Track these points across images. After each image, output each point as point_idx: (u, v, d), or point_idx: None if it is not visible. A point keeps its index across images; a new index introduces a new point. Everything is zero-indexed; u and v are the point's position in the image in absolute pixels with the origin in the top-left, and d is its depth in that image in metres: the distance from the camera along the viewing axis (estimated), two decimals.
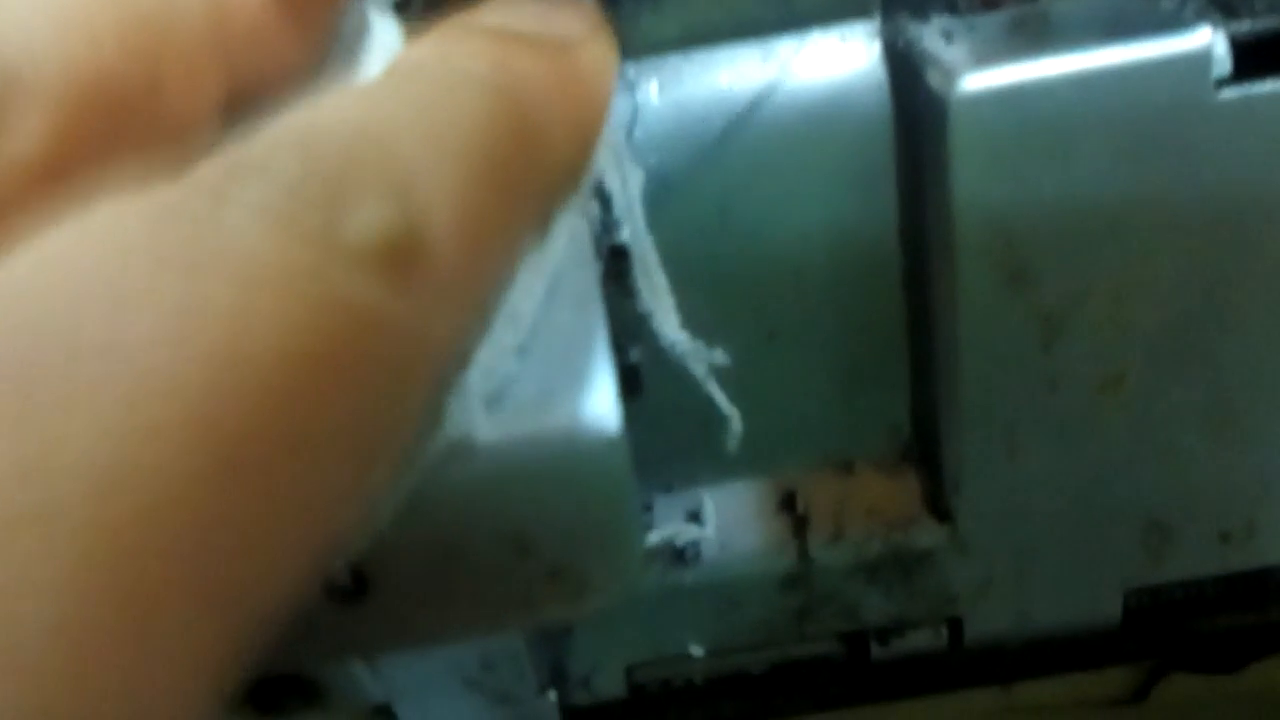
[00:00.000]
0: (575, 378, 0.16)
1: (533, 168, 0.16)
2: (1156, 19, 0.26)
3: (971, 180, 0.26)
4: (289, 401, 0.12)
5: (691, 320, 0.28)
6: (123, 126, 0.17)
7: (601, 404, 0.16)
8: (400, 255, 0.13)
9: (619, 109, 0.27)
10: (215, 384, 0.11)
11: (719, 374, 0.29)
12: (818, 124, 0.27)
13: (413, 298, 0.13)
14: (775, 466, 0.32)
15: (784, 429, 0.31)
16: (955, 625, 0.32)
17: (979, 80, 0.25)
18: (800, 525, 0.31)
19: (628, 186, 0.25)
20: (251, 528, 0.12)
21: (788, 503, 0.32)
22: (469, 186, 0.15)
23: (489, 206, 0.15)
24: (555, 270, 0.18)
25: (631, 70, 0.27)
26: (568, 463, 0.16)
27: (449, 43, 0.18)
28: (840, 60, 0.27)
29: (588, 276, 0.19)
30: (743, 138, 0.27)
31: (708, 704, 0.34)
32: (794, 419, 0.31)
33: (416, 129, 0.15)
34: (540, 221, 0.18)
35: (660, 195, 0.27)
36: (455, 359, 0.16)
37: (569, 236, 0.19)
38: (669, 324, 0.27)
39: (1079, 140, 0.25)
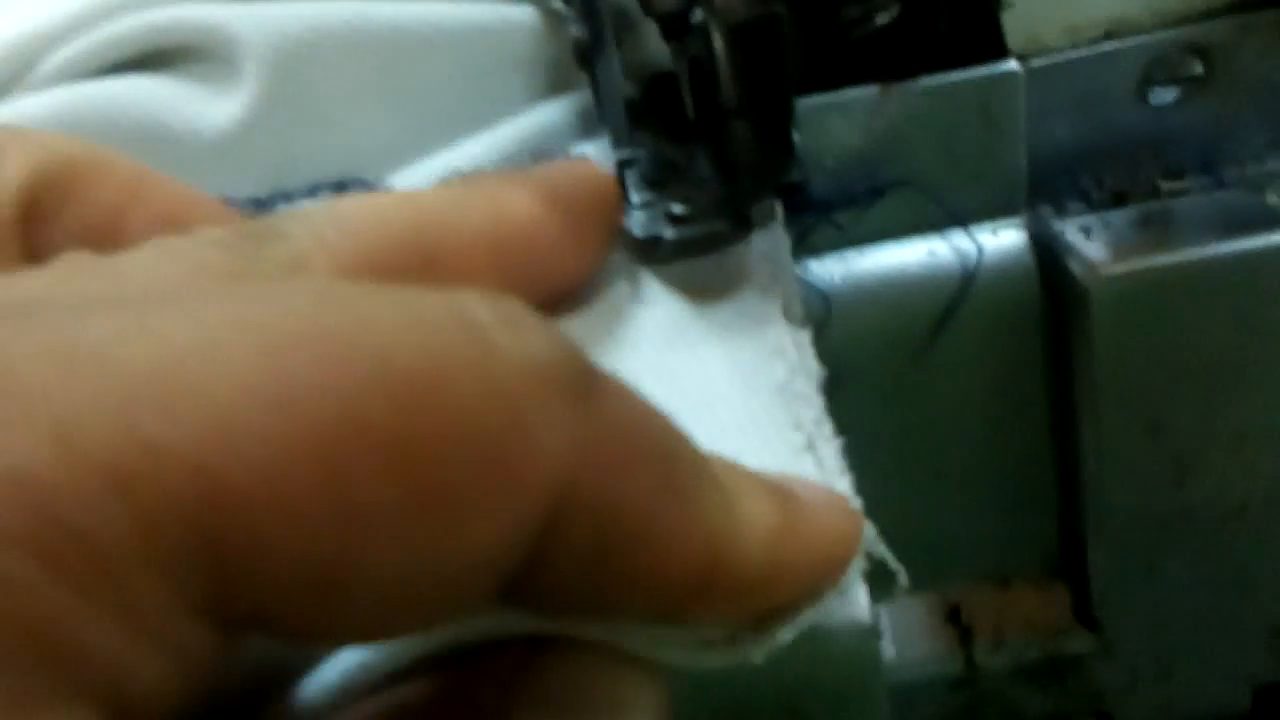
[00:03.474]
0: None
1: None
2: (1264, 214, 0.31)
3: (1111, 349, 0.31)
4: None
5: (871, 465, 0.33)
6: None
7: (859, 602, 0.21)
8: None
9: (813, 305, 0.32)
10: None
11: (896, 504, 0.34)
12: (980, 300, 0.33)
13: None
14: (942, 582, 0.37)
15: (949, 550, 0.36)
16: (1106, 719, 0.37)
17: (1116, 270, 0.30)
18: (965, 634, 0.36)
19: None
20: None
21: (953, 615, 0.37)
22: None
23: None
24: None
25: (815, 266, 0.33)
26: (833, 648, 0.21)
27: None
28: (995, 250, 0.33)
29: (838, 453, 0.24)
30: (919, 317, 0.33)
31: None
32: (957, 542, 0.36)
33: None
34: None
35: (842, 371, 0.33)
36: None
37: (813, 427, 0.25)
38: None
39: (1202, 315, 0.31)
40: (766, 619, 0.19)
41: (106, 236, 0.21)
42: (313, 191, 0.30)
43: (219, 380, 0.12)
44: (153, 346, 0.12)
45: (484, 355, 0.14)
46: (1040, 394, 0.34)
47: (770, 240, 0.29)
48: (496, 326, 0.14)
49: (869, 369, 0.33)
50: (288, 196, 0.30)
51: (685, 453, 0.17)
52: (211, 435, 0.12)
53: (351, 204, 0.21)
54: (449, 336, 0.14)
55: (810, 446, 0.25)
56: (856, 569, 0.21)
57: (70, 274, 0.17)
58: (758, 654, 0.19)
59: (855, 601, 0.21)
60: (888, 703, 0.23)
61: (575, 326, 0.27)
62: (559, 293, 0.26)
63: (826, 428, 0.26)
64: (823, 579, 0.20)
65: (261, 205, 0.30)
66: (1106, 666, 0.36)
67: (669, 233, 0.28)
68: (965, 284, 0.32)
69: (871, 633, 0.21)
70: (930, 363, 0.33)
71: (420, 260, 0.21)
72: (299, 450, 0.12)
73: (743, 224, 0.28)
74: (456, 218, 0.22)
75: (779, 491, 0.19)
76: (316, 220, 0.20)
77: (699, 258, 0.29)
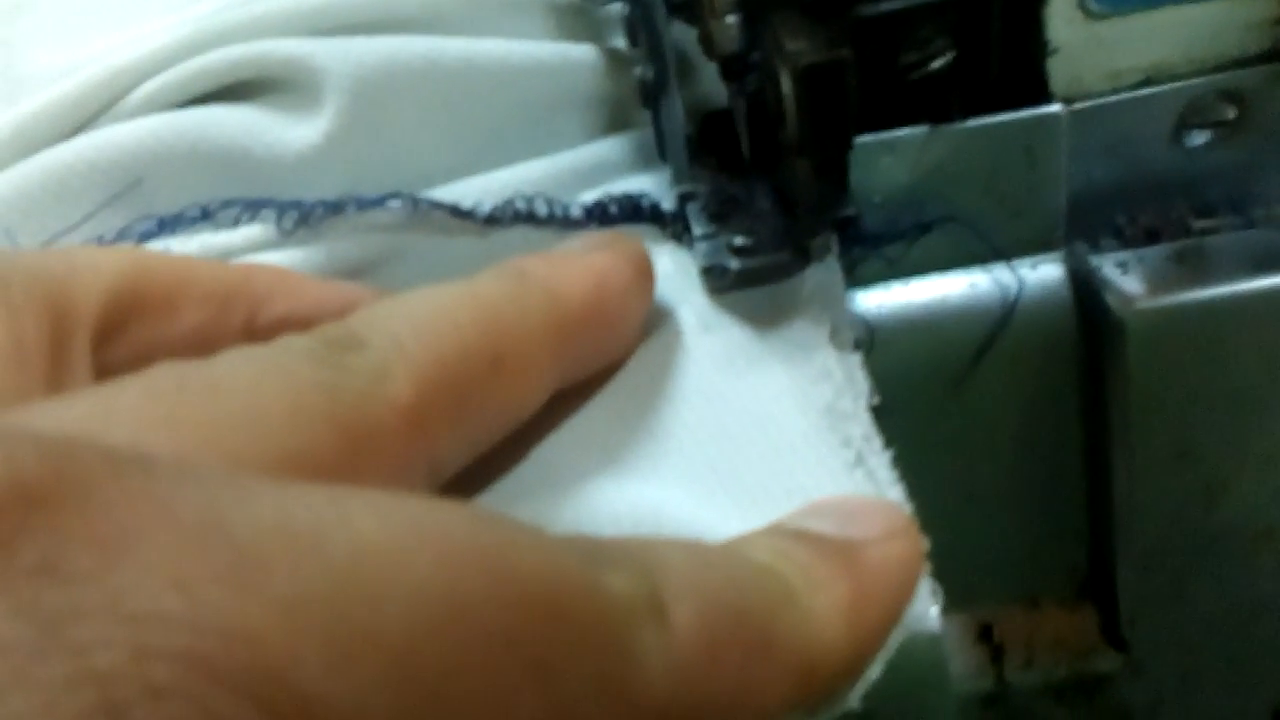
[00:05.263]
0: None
1: (788, 637, 0.19)
2: None
3: (1144, 378, 0.33)
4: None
5: (908, 489, 0.35)
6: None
7: (928, 612, 0.23)
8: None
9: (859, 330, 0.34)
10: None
11: (931, 527, 0.36)
12: (1019, 331, 0.34)
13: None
14: (974, 603, 0.38)
15: (981, 572, 0.38)
16: None
17: (1151, 304, 0.32)
18: (997, 653, 0.38)
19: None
20: None
21: (985, 634, 0.38)
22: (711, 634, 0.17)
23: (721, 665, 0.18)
24: None
25: (862, 296, 0.34)
26: (903, 656, 0.22)
27: (749, 536, 0.22)
28: (1034, 283, 0.34)
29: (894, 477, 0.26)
30: (960, 345, 0.34)
31: None
32: (989, 563, 0.38)
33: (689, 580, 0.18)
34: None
35: (883, 397, 0.34)
36: None
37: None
38: None
39: (1232, 347, 0.32)
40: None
41: (190, 350, 0.22)
42: (378, 202, 0.31)
43: (406, 583, 0.14)
44: (353, 540, 0.14)
45: (594, 590, 0.16)
46: (1073, 420, 0.36)
47: (824, 272, 0.30)
48: (600, 566, 0.17)
49: (910, 395, 0.35)
50: (358, 204, 0.31)
51: (752, 594, 0.19)
52: (403, 630, 0.14)
53: (423, 306, 0.23)
54: (574, 576, 0.16)
55: (860, 461, 0.27)
56: (924, 582, 0.23)
57: (166, 390, 0.18)
58: (855, 699, 0.21)
59: (924, 611, 0.23)
60: (955, 706, 0.25)
61: (638, 354, 0.29)
62: (615, 356, 0.28)
63: (876, 443, 0.27)
64: (901, 611, 0.21)
65: (331, 208, 0.31)
66: (1133, 685, 0.37)
67: (733, 263, 0.29)
68: (1005, 315, 0.34)
69: (939, 640, 0.23)
70: (969, 390, 0.35)
71: (488, 364, 0.23)
72: (465, 656, 0.14)
73: (801, 255, 0.29)
74: (518, 316, 0.24)
75: (839, 551, 0.21)
76: (394, 327, 0.22)
77: (757, 288, 0.30)
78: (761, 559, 0.20)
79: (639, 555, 0.18)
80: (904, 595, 0.21)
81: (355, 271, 0.31)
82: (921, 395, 0.35)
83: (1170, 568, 0.35)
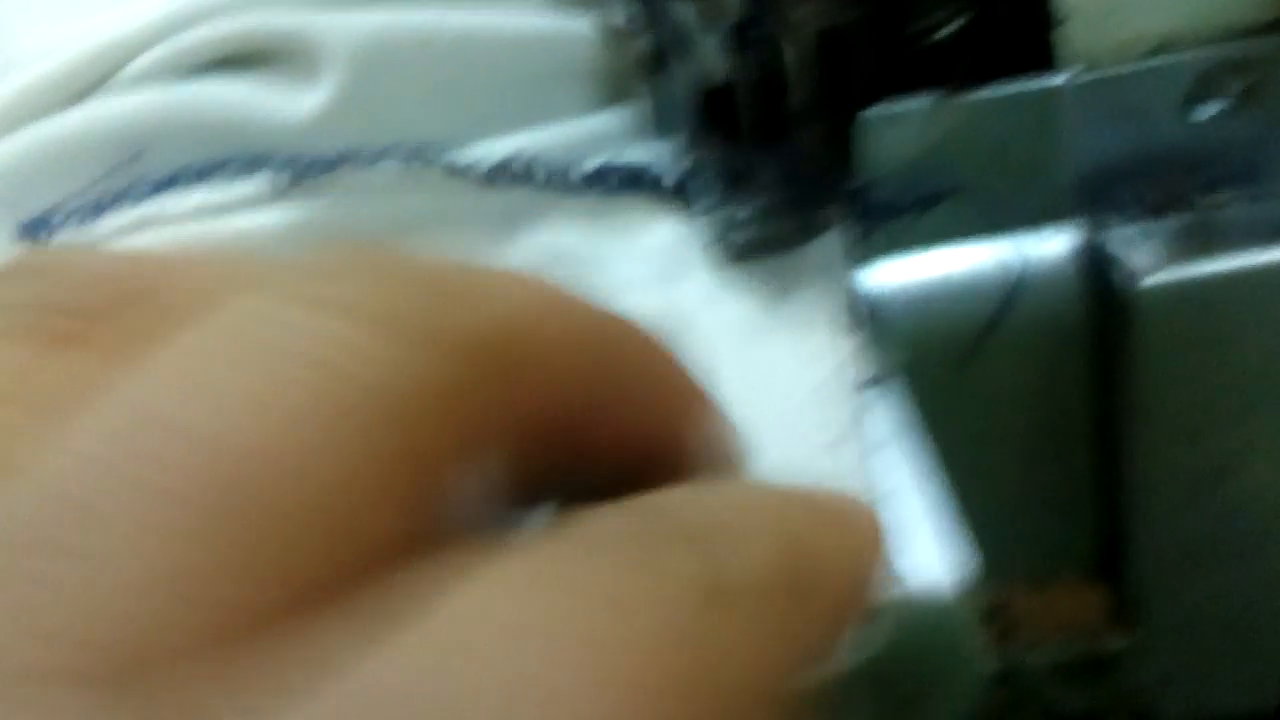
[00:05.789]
0: (926, 548, 0.23)
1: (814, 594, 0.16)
2: None
3: (1154, 355, 0.32)
4: None
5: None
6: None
7: (946, 580, 0.22)
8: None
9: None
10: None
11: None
12: (1026, 306, 0.34)
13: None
14: (981, 583, 0.38)
15: (990, 551, 0.37)
16: (1141, 716, 0.38)
17: (1160, 279, 0.31)
18: (1005, 632, 0.37)
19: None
20: None
21: (993, 614, 0.38)
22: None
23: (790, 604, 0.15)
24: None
25: (866, 270, 0.34)
26: (925, 624, 0.22)
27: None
28: (1042, 256, 0.34)
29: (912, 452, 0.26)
30: (966, 321, 0.34)
31: None
32: (999, 543, 0.37)
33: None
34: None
35: (888, 374, 0.34)
36: None
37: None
38: None
39: (1245, 323, 0.32)
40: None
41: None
42: (375, 160, 0.31)
43: None
44: None
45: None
46: (1083, 397, 0.35)
47: (826, 246, 0.30)
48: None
49: (915, 371, 0.34)
50: (355, 162, 0.31)
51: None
52: None
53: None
54: None
55: (833, 447, 0.26)
56: (943, 553, 0.23)
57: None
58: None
59: (940, 581, 0.22)
60: (977, 679, 0.25)
61: None
62: None
63: (854, 430, 0.27)
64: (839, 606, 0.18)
65: (328, 166, 0.31)
66: (1143, 665, 0.37)
67: (736, 236, 0.29)
68: (1012, 289, 0.33)
69: (957, 611, 0.22)
70: (975, 366, 0.34)
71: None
72: None
73: (808, 227, 0.29)
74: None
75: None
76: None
77: (756, 262, 0.30)
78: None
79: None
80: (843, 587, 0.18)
81: (352, 230, 0.30)
82: (927, 371, 0.35)
83: (1180, 546, 0.35)
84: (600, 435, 0.16)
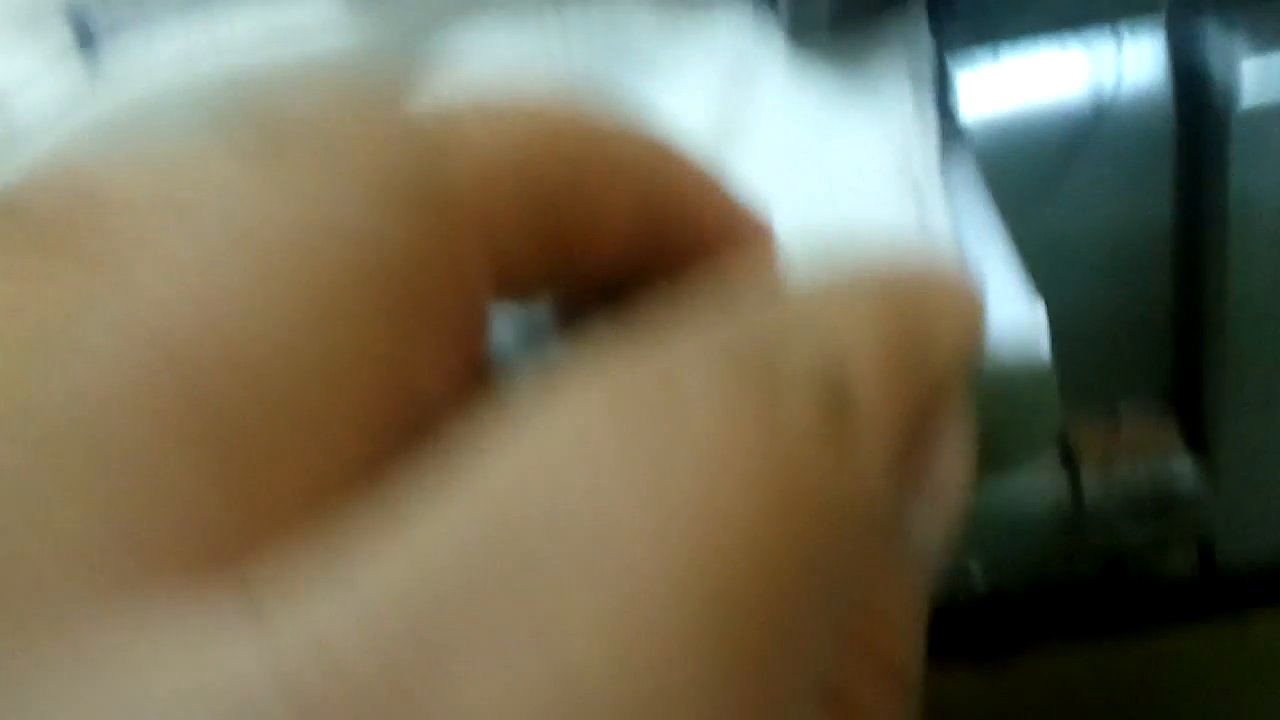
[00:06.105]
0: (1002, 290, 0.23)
1: (924, 364, 0.16)
2: None
3: (1247, 170, 0.31)
4: (762, 591, 0.12)
5: None
6: None
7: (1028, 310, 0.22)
8: (840, 429, 0.13)
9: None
10: (696, 578, 0.11)
11: None
12: (1114, 124, 0.33)
13: (850, 468, 0.13)
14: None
15: (1066, 377, 0.36)
16: (1207, 552, 0.37)
17: (1257, 103, 0.30)
18: (1072, 462, 0.37)
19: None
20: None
21: (1060, 441, 0.37)
22: (887, 371, 0.14)
23: (901, 384, 0.15)
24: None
25: (950, 63, 0.33)
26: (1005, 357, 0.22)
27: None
28: (1133, 56, 0.32)
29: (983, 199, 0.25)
30: (1052, 132, 0.33)
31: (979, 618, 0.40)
32: (1068, 368, 0.36)
33: (836, 321, 0.15)
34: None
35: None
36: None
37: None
38: None
39: None
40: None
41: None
42: None
43: None
44: None
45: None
46: (1164, 220, 0.34)
47: (909, 28, 0.29)
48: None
49: (998, 195, 0.33)
50: None
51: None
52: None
53: None
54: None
55: (923, 223, 0.26)
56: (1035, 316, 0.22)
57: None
58: None
59: (1035, 341, 0.22)
60: (1057, 420, 0.25)
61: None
62: None
63: (943, 202, 0.26)
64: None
65: None
66: (1213, 498, 0.36)
67: (811, 9, 0.28)
68: (1101, 99, 0.32)
69: (1049, 372, 0.24)
70: (1059, 187, 0.33)
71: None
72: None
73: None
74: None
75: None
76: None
77: (833, 39, 0.29)
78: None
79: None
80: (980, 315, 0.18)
81: (412, 42, 0.30)
82: (1010, 195, 0.33)
83: (1260, 374, 0.34)
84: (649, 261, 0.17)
